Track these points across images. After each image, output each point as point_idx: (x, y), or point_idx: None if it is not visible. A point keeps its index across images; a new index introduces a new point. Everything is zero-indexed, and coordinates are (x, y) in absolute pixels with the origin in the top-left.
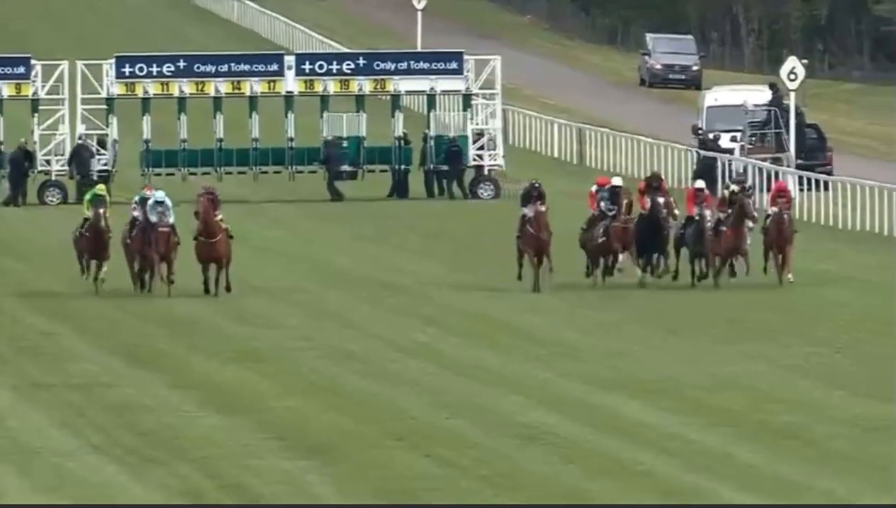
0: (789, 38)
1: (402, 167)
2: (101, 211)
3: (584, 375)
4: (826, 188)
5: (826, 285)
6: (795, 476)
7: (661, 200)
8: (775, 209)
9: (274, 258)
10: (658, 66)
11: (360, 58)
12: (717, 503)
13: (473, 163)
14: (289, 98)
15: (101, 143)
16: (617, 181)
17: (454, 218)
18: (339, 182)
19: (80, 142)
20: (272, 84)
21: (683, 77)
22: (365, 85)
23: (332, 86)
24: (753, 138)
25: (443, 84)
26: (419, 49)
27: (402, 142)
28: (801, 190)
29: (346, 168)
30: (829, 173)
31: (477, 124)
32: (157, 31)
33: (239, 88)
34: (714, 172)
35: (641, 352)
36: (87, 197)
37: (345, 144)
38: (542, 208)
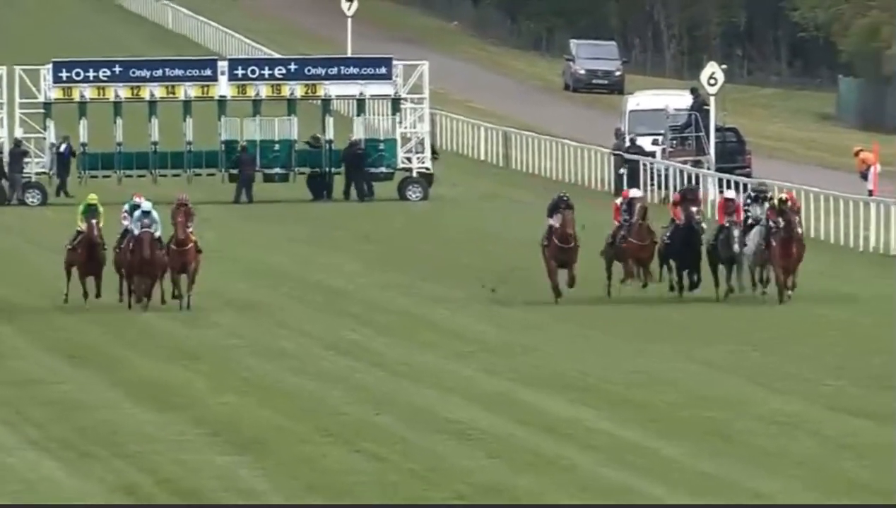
0: (709, 44)
1: (311, 169)
2: (95, 222)
3: (509, 372)
4: (745, 190)
5: None
6: (717, 471)
7: (694, 209)
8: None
9: (208, 258)
10: (582, 72)
11: (292, 63)
12: (642, 500)
13: (402, 165)
14: (222, 102)
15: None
16: (635, 193)
17: (384, 219)
18: (271, 183)
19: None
20: (206, 88)
21: (606, 82)
22: (296, 89)
23: (265, 91)
24: (674, 141)
25: (372, 89)
26: (349, 54)
27: (313, 144)
28: (721, 192)
29: (278, 170)
30: (748, 175)
31: (405, 128)
32: (91, 36)
33: (173, 93)
34: (638, 175)
35: (564, 350)
36: (81, 208)
37: (248, 148)
38: (570, 216)
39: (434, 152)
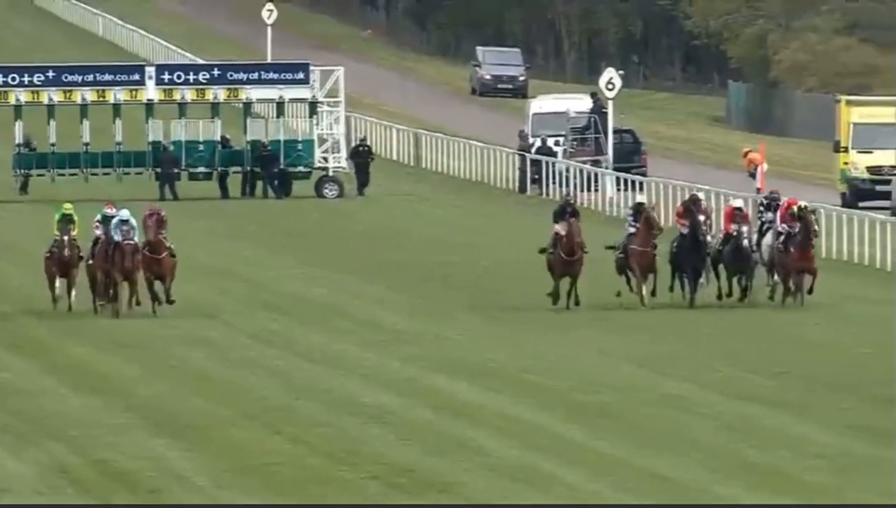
0: (607, 52)
1: (221, 169)
2: (66, 237)
3: (420, 360)
4: (641, 188)
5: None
6: (613, 451)
7: (701, 218)
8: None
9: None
10: (487, 77)
11: (215, 68)
12: (544, 479)
13: (319, 165)
14: (149, 105)
15: (28, 144)
16: (640, 198)
17: (303, 215)
18: (195, 182)
19: None
20: (134, 92)
21: (511, 86)
22: (219, 93)
23: (189, 95)
24: (575, 142)
25: (291, 92)
26: (269, 60)
27: (222, 144)
28: (619, 190)
29: (202, 169)
30: (644, 174)
31: (322, 130)
32: (19, 41)
33: (103, 96)
34: (540, 173)
35: (472, 339)
36: (56, 216)
37: (171, 148)
38: (575, 225)
39: (370, 154)
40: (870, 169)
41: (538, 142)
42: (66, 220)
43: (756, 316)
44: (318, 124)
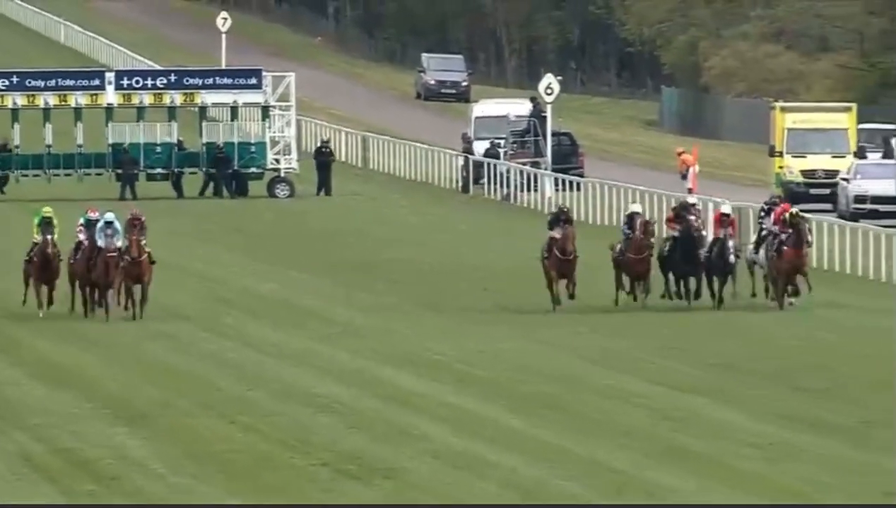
0: (546, 58)
1: (177, 169)
2: (49, 236)
3: (367, 351)
4: (578, 188)
5: (590, 271)
6: (554, 440)
7: (692, 218)
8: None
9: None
10: (432, 82)
11: (172, 74)
12: (487, 467)
13: (271, 166)
14: (109, 109)
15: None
16: (635, 208)
17: (256, 215)
18: (154, 182)
19: None
20: (94, 97)
21: (454, 91)
22: (176, 98)
23: (148, 99)
24: (515, 145)
25: (244, 97)
26: (223, 66)
27: (178, 147)
28: (557, 190)
29: (160, 170)
30: (581, 175)
31: (274, 132)
32: None
33: (65, 101)
34: (482, 175)
35: (418, 332)
36: (36, 220)
37: (129, 150)
38: (570, 231)
39: (331, 155)
40: (804, 173)
41: (486, 146)
42: (46, 224)
43: (714, 315)
44: (270, 127)
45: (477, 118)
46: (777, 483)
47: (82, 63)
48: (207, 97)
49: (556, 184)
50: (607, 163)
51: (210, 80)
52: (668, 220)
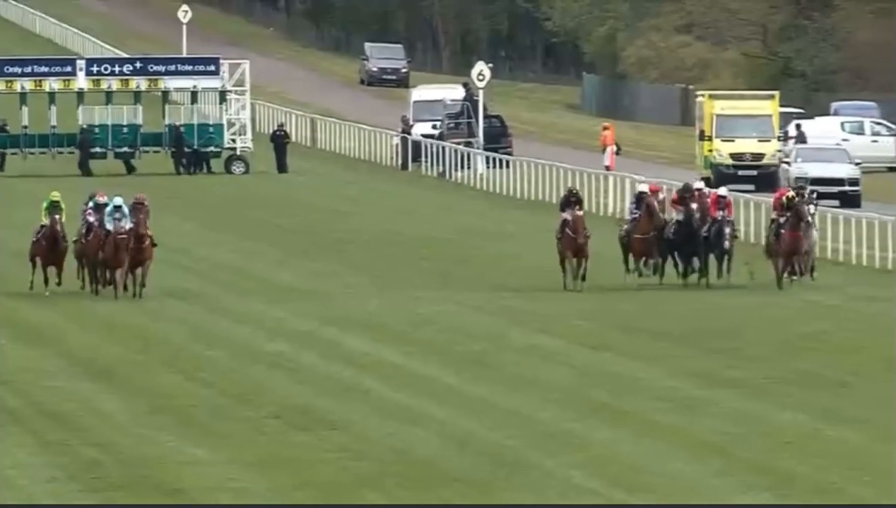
0: (478, 47)
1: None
2: (57, 218)
3: (315, 314)
4: (507, 165)
5: (506, 241)
6: (485, 395)
7: (694, 206)
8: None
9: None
10: (374, 69)
11: (137, 61)
12: (425, 419)
13: (228, 146)
14: (80, 94)
15: (3, 128)
16: (642, 187)
17: (214, 189)
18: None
19: None
20: (67, 82)
21: (394, 78)
22: (141, 83)
23: (115, 84)
24: (450, 126)
25: (203, 83)
26: (184, 54)
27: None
28: (488, 167)
29: (126, 149)
30: (510, 154)
31: (231, 115)
32: None
33: (40, 86)
34: (420, 153)
35: (359, 297)
36: (44, 204)
37: (97, 131)
38: (580, 212)
39: (287, 137)
40: (732, 155)
41: (425, 128)
42: (54, 206)
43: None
44: (227, 110)
45: (415, 102)
46: (687, 434)
47: (55, 51)
48: (170, 82)
49: (487, 162)
50: (534, 143)
51: (172, 67)
52: (673, 202)
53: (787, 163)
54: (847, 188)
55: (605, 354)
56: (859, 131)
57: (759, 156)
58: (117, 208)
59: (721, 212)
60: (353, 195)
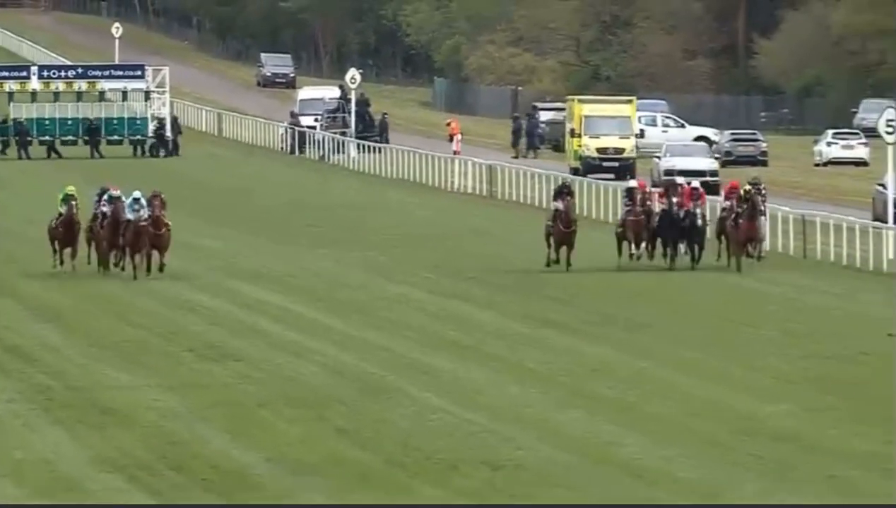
0: (351, 56)
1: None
2: (73, 206)
3: (221, 269)
4: (377, 151)
5: (377, 211)
6: (357, 333)
7: (675, 200)
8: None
9: (12, 197)
10: (268, 74)
11: (79, 68)
12: (310, 353)
13: (151, 135)
14: (34, 93)
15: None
16: (633, 183)
17: (136, 169)
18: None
19: None
20: (23, 84)
21: (284, 81)
22: (82, 85)
23: (62, 86)
24: (329, 120)
25: (132, 85)
26: (116, 62)
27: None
28: (360, 152)
29: (70, 138)
30: (377, 142)
31: (153, 111)
32: None
33: (1, 87)
34: (305, 141)
35: (257, 254)
36: (61, 196)
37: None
38: (571, 202)
39: (179, 131)
40: (598, 150)
41: (310, 121)
42: (70, 198)
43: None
44: (150, 107)
45: (301, 100)
46: (517, 364)
47: (13, 59)
48: (105, 84)
49: (359, 149)
50: (396, 134)
51: (107, 73)
52: (660, 195)
53: (658, 157)
54: (708, 178)
55: (454, 301)
56: (653, 123)
57: (621, 150)
58: (136, 200)
59: (694, 203)
60: (251, 173)
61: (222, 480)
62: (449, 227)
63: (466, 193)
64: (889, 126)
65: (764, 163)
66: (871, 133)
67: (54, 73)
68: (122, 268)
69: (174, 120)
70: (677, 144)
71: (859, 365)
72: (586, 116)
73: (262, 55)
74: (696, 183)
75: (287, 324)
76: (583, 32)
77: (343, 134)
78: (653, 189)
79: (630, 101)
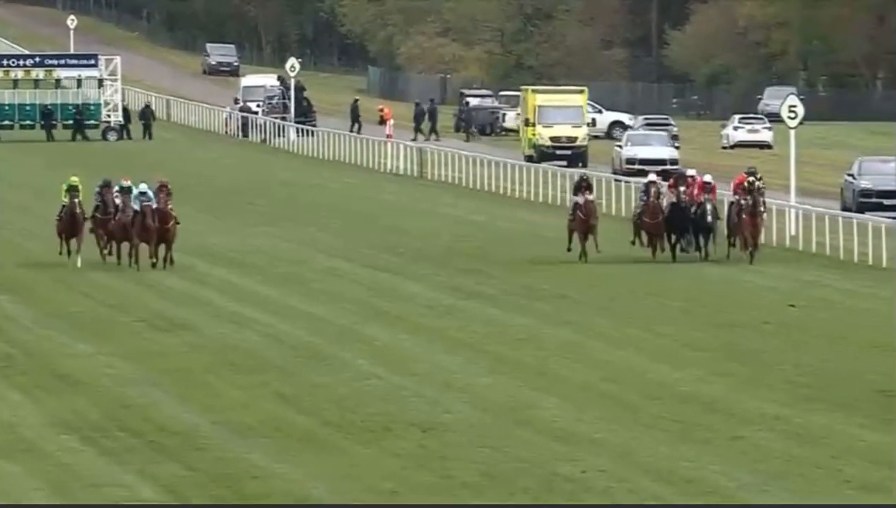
0: (291, 46)
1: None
2: (76, 199)
3: (180, 249)
4: (313, 134)
5: (315, 190)
6: (296, 304)
7: (682, 189)
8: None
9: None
10: (213, 63)
11: (36, 57)
12: (260, 327)
13: (104, 120)
14: None
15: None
16: (651, 177)
17: (91, 152)
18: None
19: None
20: None
21: (228, 70)
22: (40, 73)
23: (20, 74)
24: (270, 105)
25: (86, 73)
26: (72, 52)
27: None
28: (298, 135)
29: (29, 122)
30: (314, 125)
31: (106, 96)
32: None
33: None
34: (248, 125)
35: (207, 230)
36: (64, 187)
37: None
38: (591, 197)
39: (153, 115)
40: (551, 138)
41: (255, 107)
42: (73, 189)
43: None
44: (103, 93)
45: (244, 87)
46: (445, 333)
47: None
48: (61, 73)
49: (298, 132)
50: (332, 119)
51: (63, 61)
52: (669, 187)
53: (620, 146)
54: (668, 166)
55: (385, 274)
56: None
57: (573, 138)
58: (143, 193)
59: (705, 196)
60: (198, 155)
61: (171, 441)
62: (382, 206)
63: (398, 174)
64: (791, 111)
65: (675, 147)
66: (774, 118)
67: (13, 62)
68: (118, 259)
69: (146, 107)
70: (638, 134)
71: (762, 333)
72: (540, 106)
73: (208, 45)
74: (707, 176)
75: (230, 295)
76: (507, 24)
77: (284, 119)
78: (662, 181)
79: (582, 92)
